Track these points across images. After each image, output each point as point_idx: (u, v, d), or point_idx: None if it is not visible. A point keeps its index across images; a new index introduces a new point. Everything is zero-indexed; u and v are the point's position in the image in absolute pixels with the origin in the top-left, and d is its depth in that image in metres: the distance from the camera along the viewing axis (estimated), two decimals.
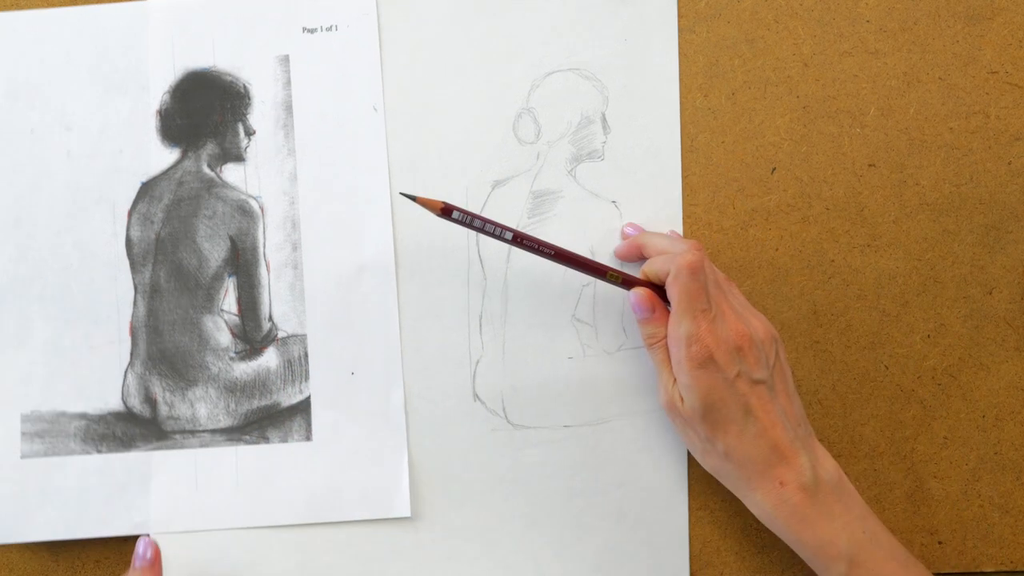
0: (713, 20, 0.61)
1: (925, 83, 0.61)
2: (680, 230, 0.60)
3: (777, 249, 0.61)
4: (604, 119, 0.60)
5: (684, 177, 0.61)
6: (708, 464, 0.56)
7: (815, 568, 0.53)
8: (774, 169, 0.61)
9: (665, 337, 0.55)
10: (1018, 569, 0.60)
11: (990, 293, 0.61)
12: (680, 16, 0.61)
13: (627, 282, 0.56)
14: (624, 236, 0.59)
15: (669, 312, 0.55)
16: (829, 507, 0.53)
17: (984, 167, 0.60)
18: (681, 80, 0.61)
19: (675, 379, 0.55)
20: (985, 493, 0.60)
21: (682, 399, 0.54)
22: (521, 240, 0.55)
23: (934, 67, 0.61)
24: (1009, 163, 0.60)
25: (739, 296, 0.56)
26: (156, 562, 0.58)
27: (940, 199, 0.61)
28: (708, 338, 0.52)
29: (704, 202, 0.61)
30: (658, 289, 0.56)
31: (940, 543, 0.60)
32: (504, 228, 0.54)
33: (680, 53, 0.61)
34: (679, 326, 0.53)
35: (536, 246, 0.55)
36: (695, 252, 0.53)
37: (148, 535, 0.59)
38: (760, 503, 0.53)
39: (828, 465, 0.54)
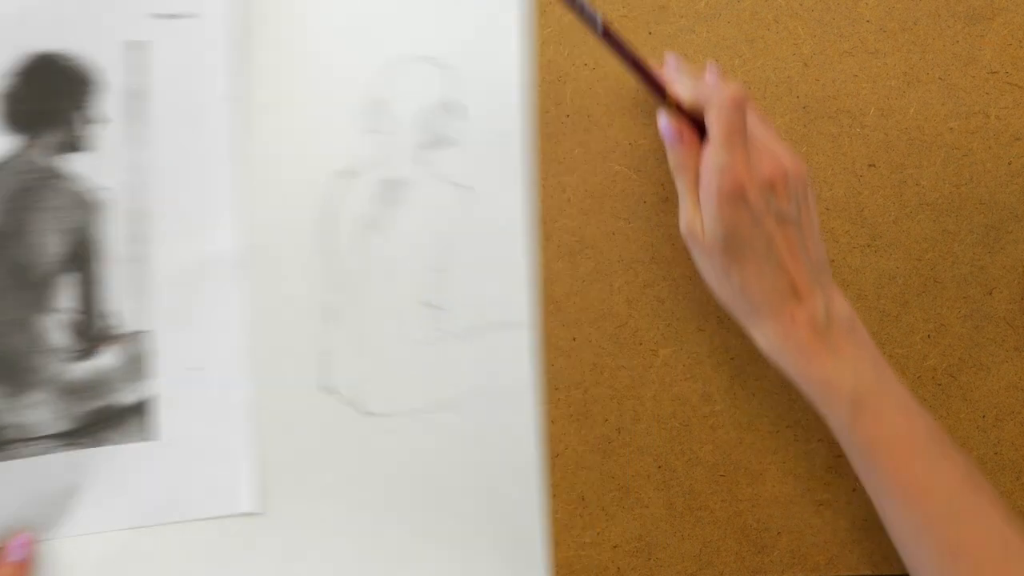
0: (713, 20, 0.61)
1: (925, 83, 0.61)
2: (538, 213, 0.60)
3: None
4: (455, 105, 0.59)
5: None
6: (721, 295, 0.55)
7: (820, 409, 0.53)
8: None
9: (692, 166, 0.54)
10: None
11: (990, 293, 0.61)
12: (680, 16, 0.61)
13: (680, 109, 0.55)
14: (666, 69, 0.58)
15: (700, 141, 0.54)
16: (838, 346, 0.52)
17: (984, 167, 0.60)
18: None
19: (699, 208, 0.54)
20: None
21: (703, 229, 0.53)
22: (607, 34, 0.53)
23: (934, 67, 0.61)
24: (1009, 163, 0.60)
25: (775, 134, 0.55)
26: (29, 562, 0.55)
27: (940, 199, 0.61)
28: (742, 172, 0.51)
29: None
30: (698, 125, 0.55)
31: None
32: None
33: (680, 53, 0.61)
34: (715, 156, 0.52)
35: (619, 46, 0.54)
36: (738, 86, 0.53)
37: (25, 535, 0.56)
38: (769, 336, 0.53)
39: (842, 307, 0.53)
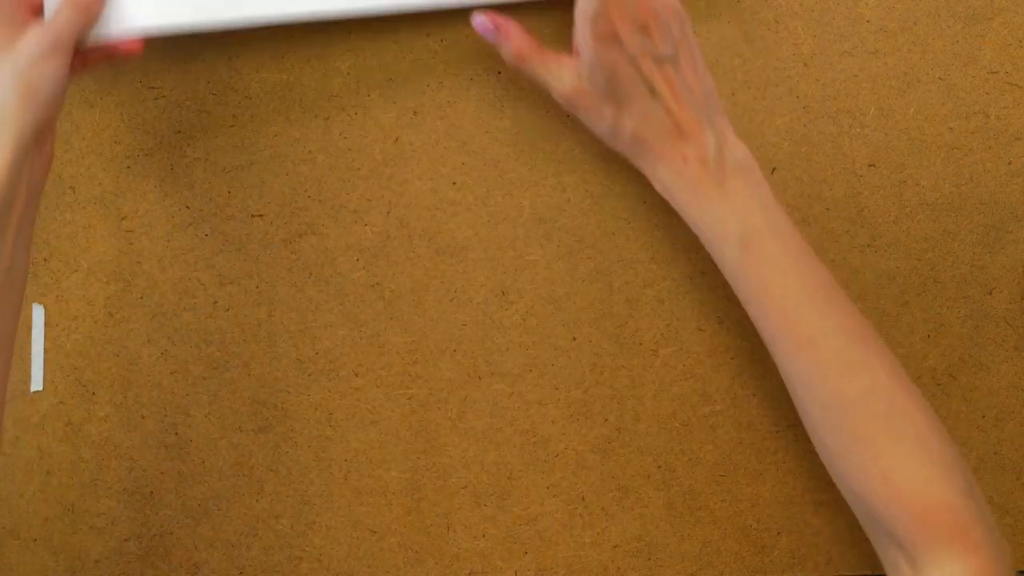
0: (713, 20, 0.61)
1: (925, 83, 0.61)
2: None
3: None
4: None
5: None
6: (618, 147, 0.56)
7: (710, 251, 0.54)
8: (774, 169, 0.61)
9: (527, 49, 0.55)
10: (1018, 568, 0.60)
11: (990, 293, 0.61)
12: None
13: None
14: None
15: (516, 27, 0.56)
16: (729, 186, 0.53)
17: (984, 167, 0.60)
18: None
19: (569, 68, 0.55)
20: (985, 493, 0.60)
21: (583, 83, 0.54)
22: None
23: (934, 67, 0.61)
24: (1009, 163, 0.60)
25: None
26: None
27: (940, 199, 0.61)
28: (614, 15, 0.52)
29: None
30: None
31: None
32: None
33: None
34: (587, 2, 0.53)
35: None
36: None
37: None
38: (662, 177, 0.54)
39: (737, 149, 0.54)
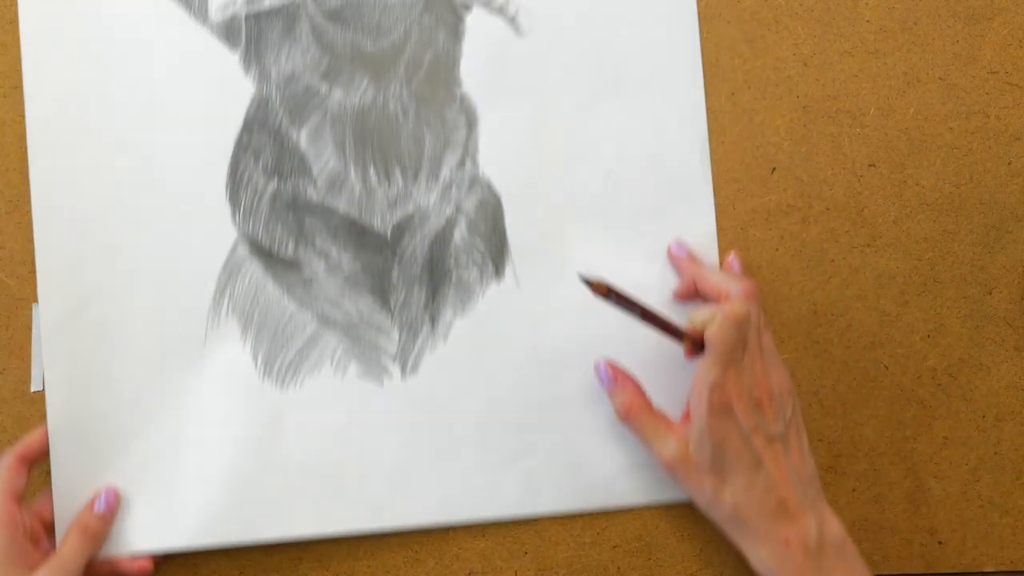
0: (713, 20, 0.61)
1: (925, 83, 0.61)
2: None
3: (777, 249, 0.61)
4: None
5: None
6: (714, 517, 0.56)
7: None
8: (774, 169, 0.61)
9: (639, 403, 0.56)
10: (1018, 569, 0.60)
11: (990, 293, 0.61)
12: None
13: (693, 342, 0.55)
14: (672, 256, 0.59)
15: (634, 383, 0.57)
16: (827, 564, 0.53)
17: (984, 167, 0.60)
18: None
19: (676, 433, 0.55)
20: (985, 493, 0.60)
21: (689, 450, 0.54)
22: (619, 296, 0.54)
23: (934, 67, 0.61)
24: (1009, 163, 0.60)
25: (769, 344, 0.56)
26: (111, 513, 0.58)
27: (940, 199, 0.61)
28: (731, 389, 0.53)
29: None
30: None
31: (940, 543, 0.60)
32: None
33: None
34: (708, 372, 0.53)
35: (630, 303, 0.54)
36: (743, 303, 0.53)
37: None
38: (764, 560, 0.53)
39: (834, 527, 0.54)
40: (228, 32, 0.59)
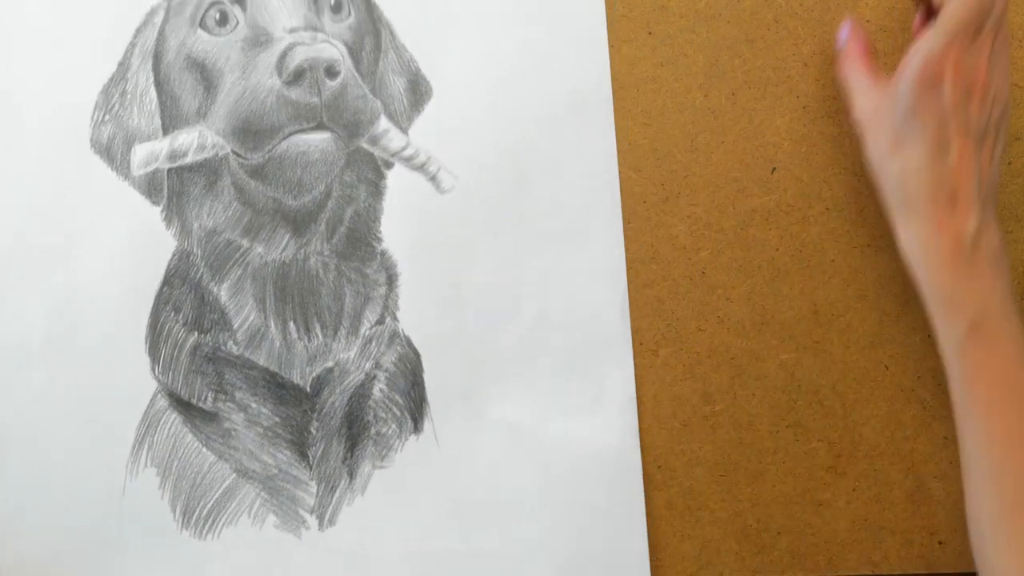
0: (713, 20, 0.61)
1: None
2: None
3: (777, 249, 0.61)
4: None
5: (684, 177, 0.61)
6: (879, 179, 0.54)
7: (936, 321, 0.52)
8: (774, 169, 0.61)
9: (857, 54, 0.55)
10: None
11: None
12: (680, 16, 0.61)
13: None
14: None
15: (864, 37, 0.56)
16: (976, 267, 0.51)
17: None
18: (681, 80, 0.61)
19: (879, 89, 0.53)
20: None
21: (884, 106, 0.53)
22: None
23: None
24: (1009, 163, 0.60)
25: (1005, 39, 0.53)
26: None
27: None
28: (948, 67, 0.51)
29: (704, 202, 0.61)
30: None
31: (940, 543, 0.60)
32: None
33: (680, 53, 0.61)
34: (930, 41, 0.51)
35: None
36: None
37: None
38: (912, 241, 0.52)
39: (994, 237, 0.52)
40: (150, 187, 0.59)
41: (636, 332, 0.61)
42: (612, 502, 0.59)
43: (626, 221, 0.61)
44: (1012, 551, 0.49)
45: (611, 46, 0.61)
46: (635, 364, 0.61)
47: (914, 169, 0.52)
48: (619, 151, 0.61)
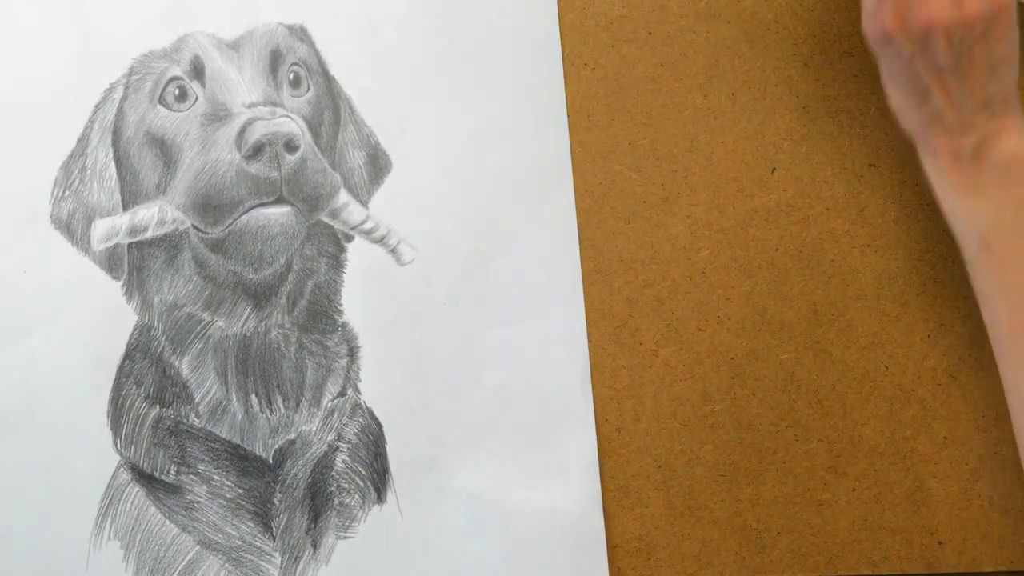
0: (713, 20, 0.61)
1: None
2: None
3: (777, 249, 0.61)
4: None
5: (684, 177, 0.61)
6: (893, 98, 0.54)
7: (960, 246, 0.53)
8: (774, 169, 0.61)
9: None
10: (1018, 569, 0.60)
11: None
12: (680, 16, 0.61)
13: None
14: None
15: None
16: (980, 183, 0.51)
17: None
18: (681, 80, 0.61)
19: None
20: (985, 493, 0.60)
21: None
22: None
23: None
24: None
25: None
26: None
27: None
28: (888, 20, 0.50)
29: (704, 202, 0.61)
30: None
31: (940, 543, 0.60)
32: None
33: (680, 53, 0.61)
34: (867, 2, 0.51)
35: None
36: None
37: None
38: (924, 163, 0.53)
39: (1005, 145, 0.51)
40: (111, 262, 0.59)
41: (636, 332, 0.61)
42: (576, 571, 0.59)
43: (626, 221, 0.61)
44: None
45: (611, 46, 0.61)
46: (635, 364, 0.61)
47: (899, 107, 0.53)
48: (619, 151, 0.61)
